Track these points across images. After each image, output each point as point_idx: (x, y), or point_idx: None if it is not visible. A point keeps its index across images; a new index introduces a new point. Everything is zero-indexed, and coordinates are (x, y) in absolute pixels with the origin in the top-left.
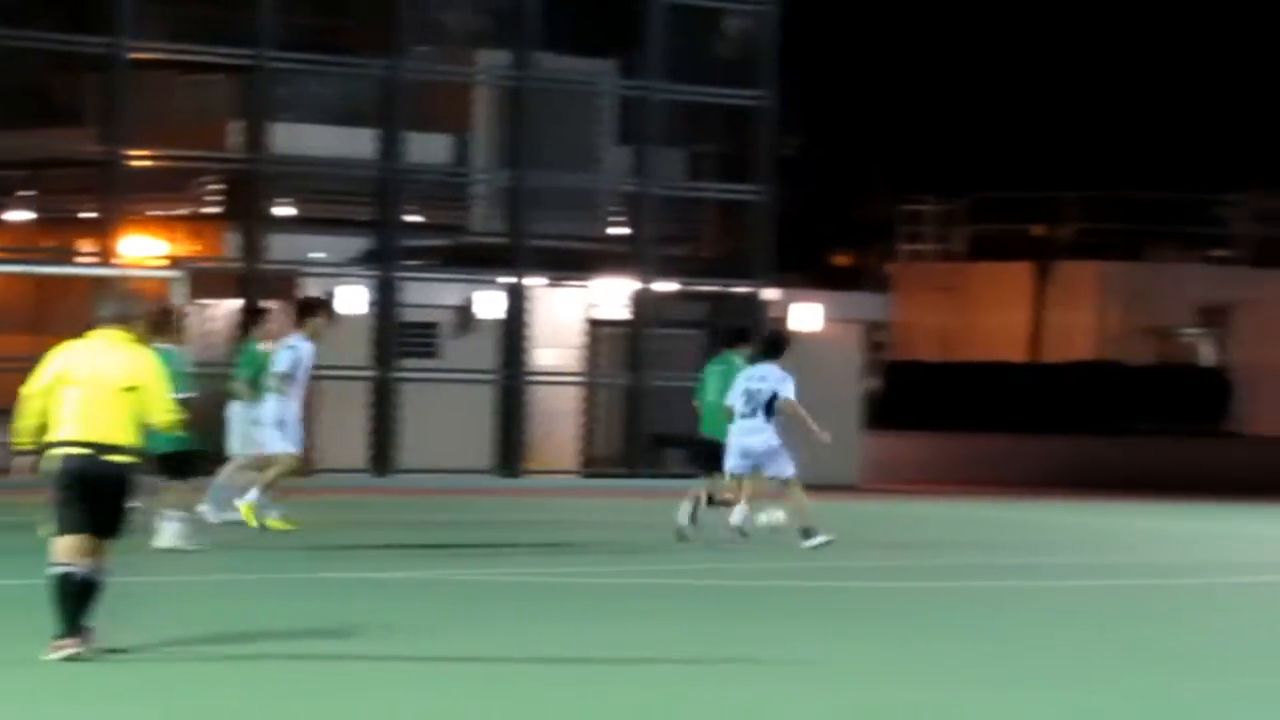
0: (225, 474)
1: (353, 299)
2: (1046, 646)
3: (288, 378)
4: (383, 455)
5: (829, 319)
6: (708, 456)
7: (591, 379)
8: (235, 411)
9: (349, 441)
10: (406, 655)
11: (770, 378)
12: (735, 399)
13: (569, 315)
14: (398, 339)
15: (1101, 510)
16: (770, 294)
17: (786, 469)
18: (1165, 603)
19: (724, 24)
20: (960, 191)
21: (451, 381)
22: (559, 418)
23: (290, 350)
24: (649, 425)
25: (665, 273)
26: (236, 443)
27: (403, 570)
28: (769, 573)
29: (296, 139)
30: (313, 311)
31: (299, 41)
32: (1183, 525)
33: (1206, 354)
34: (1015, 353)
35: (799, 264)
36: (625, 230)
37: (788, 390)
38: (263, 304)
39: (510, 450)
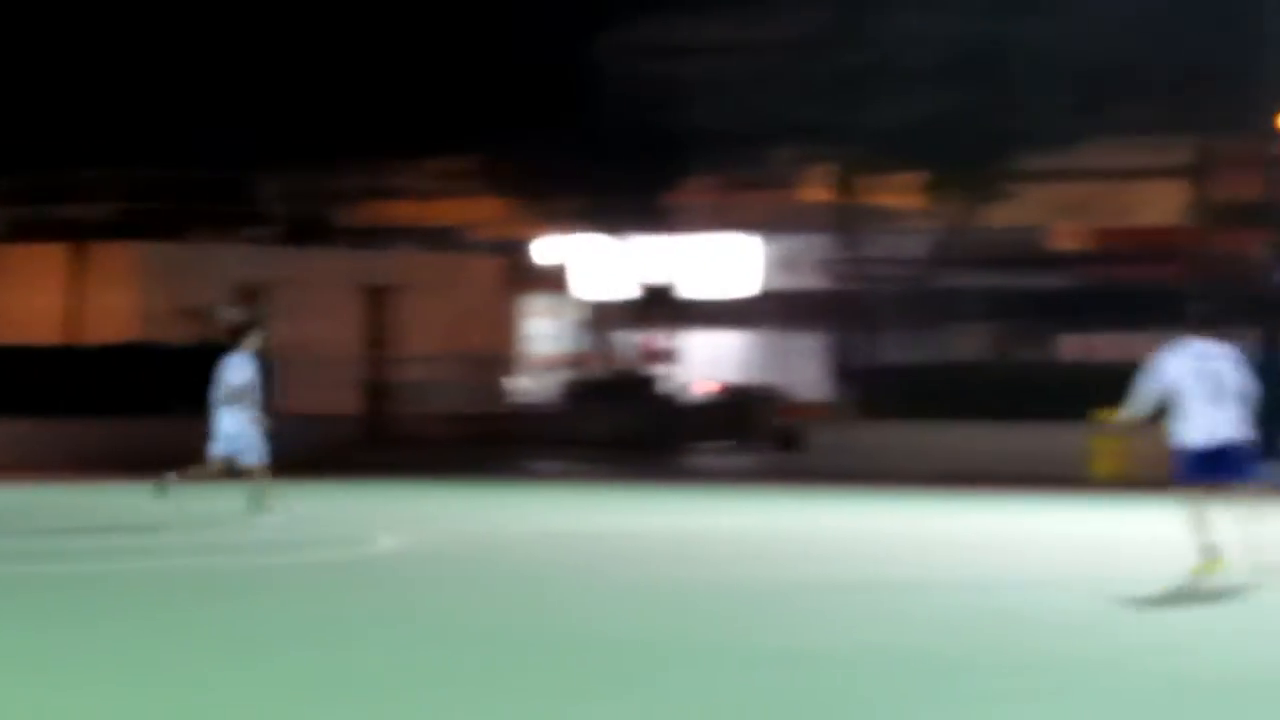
0: None
1: None
2: (82, 635)
3: None
4: None
5: None
6: None
7: None
8: None
9: None
10: None
11: (231, 365)
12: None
13: None
14: None
15: (145, 491)
16: None
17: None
18: (207, 582)
19: None
20: None
21: None
22: None
23: None
24: None
25: None
26: None
27: None
28: None
29: None
30: None
31: None
32: (224, 506)
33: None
34: (53, 335)
35: None
36: None
37: (236, 375)
38: None
39: None
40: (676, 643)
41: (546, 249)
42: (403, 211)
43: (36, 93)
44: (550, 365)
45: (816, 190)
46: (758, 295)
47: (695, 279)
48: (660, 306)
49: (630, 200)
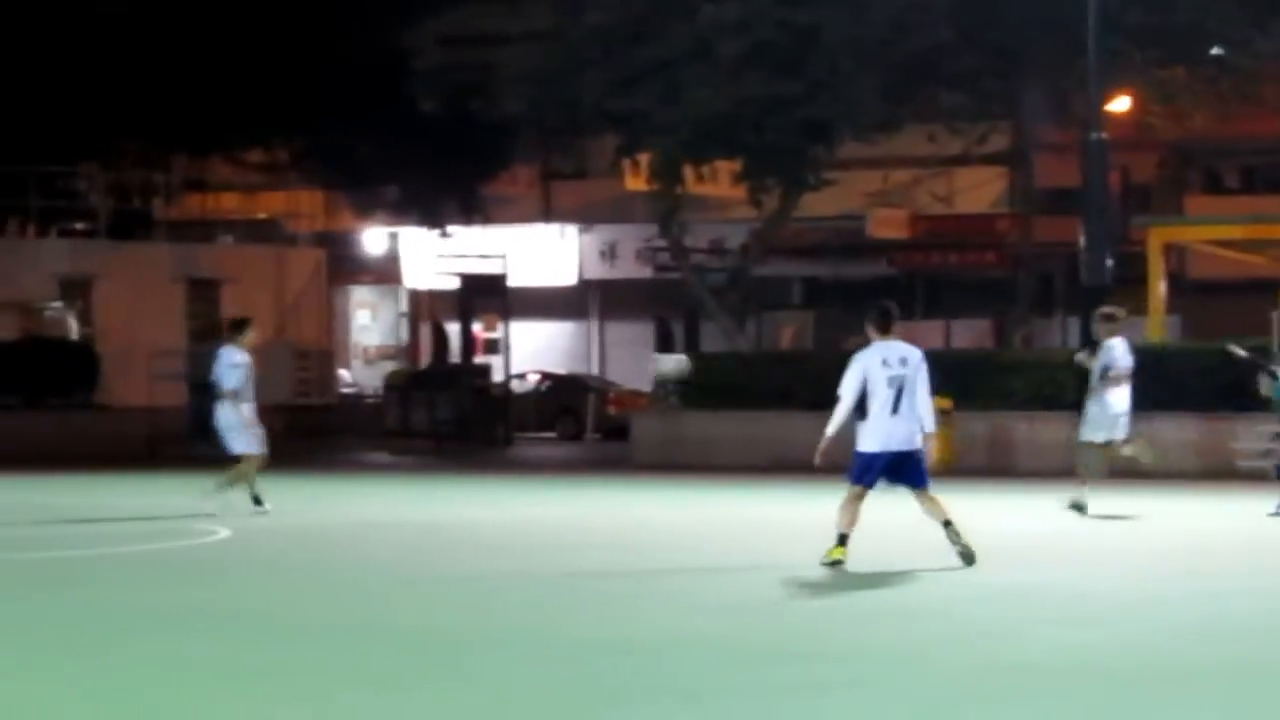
0: None
1: None
2: None
3: None
4: None
5: None
6: None
7: None
8: None
9: None
10: None
11: (222, 359)
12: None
13: None
14: None
15: None
16: None
17: (237, 445)
18: (33, 575)
19: None
20: None
21: None
22: None
23: None
24: None
25: None
26: None
27: None
28: None
29: None
30: None
31: None
32: (48, 499)
33: (71, 327)
34: None
35: None
36: None
37: (232, 370)
38: None
39: None
40: (492, 632)
41: (370, 241)
42: (225, 204)
43: None
44: (375, 356)
45: (636, 180)
46: (579, 285)
47: (519, 269)
48: (484, 297)
49: (451, 191)
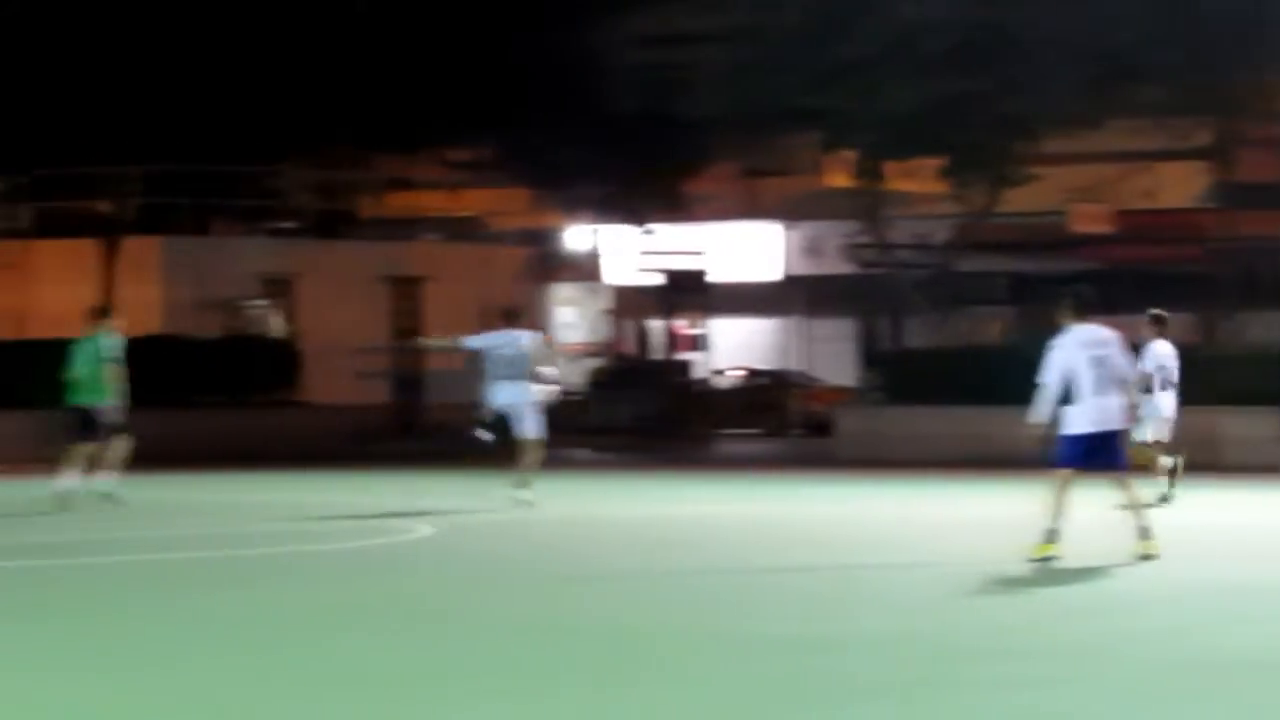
0: None
1: None
2: (122, 622)
3: None
4: None
5: None
6: (84, 423)
7: None
8: None
9: None
10: None
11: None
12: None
13: None
14: None
15: (170, 483)
16: None
17: (533, 430)
18: (234, 572)
19: None
20: (22, 167)
21: None
22: None
23: None
24: None
25: None
26: None
27: None
28: None
29: None
30: None
31: None
32: (250, 497)
33: (273, 325)
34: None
35: None
36: None
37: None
38: None
39: None
40: (697, 629)
41: (573, 238)
42: (426, 202)
43: (61, 88)
44: (577, 353)
45: (838, 176)
46: (782, 281)
47: (720, 266)
48: (686, 293)
49: (652, 189)
